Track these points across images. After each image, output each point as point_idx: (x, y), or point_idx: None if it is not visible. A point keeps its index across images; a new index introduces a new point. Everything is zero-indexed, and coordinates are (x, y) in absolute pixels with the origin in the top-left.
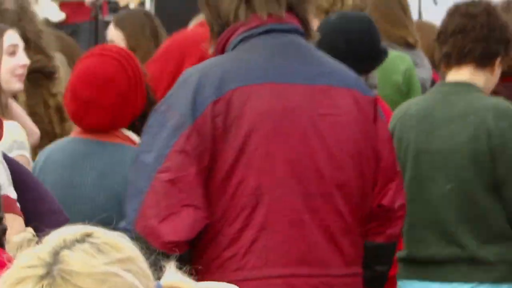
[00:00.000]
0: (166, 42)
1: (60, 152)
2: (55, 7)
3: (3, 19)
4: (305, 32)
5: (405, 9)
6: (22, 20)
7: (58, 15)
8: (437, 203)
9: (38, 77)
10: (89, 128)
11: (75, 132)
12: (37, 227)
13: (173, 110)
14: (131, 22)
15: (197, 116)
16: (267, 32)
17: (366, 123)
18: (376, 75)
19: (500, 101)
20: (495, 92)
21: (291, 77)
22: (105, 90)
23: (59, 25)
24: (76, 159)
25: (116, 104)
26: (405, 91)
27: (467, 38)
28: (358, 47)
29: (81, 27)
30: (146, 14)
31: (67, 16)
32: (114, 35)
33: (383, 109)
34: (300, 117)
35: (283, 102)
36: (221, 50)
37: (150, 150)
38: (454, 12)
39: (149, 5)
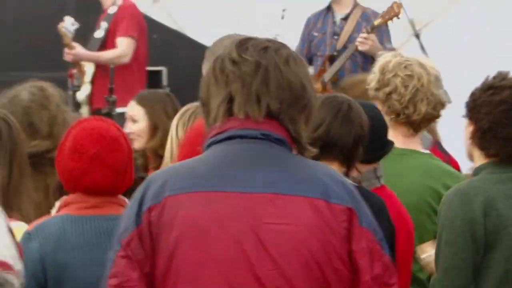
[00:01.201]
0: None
1: (72, 231)
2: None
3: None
4: (293, 141)
5: None
6: (31, 107)
7: None
8: None
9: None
10: (90, 187)
11: (73, 209)
12: None
13: (125, 214)
14: (153, 99)
15: (139, 222)
16: (229, 138)
17: (330, 233)
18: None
19: None
20: None
21: (229, 186)
22: (112, 149)
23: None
24: (98, 236)
25: (119, 165)
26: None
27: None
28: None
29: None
30: (168, 94)
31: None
32: (135, 111)
33: (394, 206)
34: (232, 226)
35: (211, 211)
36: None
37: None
38: (497, 106)
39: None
